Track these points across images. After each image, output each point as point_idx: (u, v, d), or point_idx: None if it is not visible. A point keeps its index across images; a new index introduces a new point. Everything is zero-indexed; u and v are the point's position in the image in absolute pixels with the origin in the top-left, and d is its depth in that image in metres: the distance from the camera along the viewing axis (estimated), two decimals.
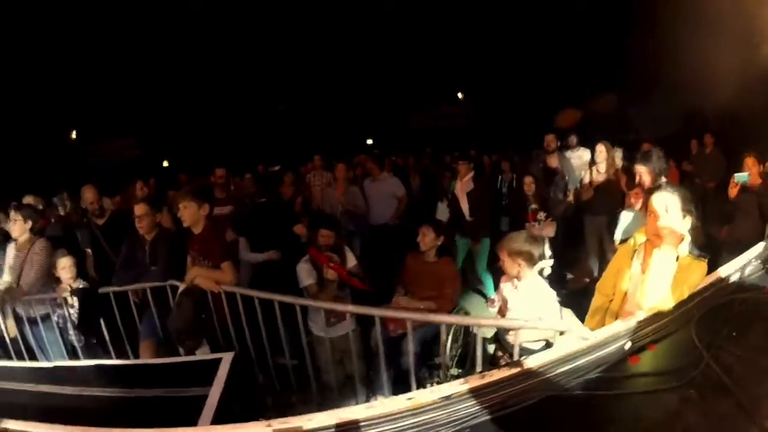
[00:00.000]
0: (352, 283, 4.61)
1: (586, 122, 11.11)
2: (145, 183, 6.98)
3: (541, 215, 5.82)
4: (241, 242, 5.97)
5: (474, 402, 1.83)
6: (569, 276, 6.70)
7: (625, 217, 4.89)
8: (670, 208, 2.64)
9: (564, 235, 6.05)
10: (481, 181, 6.96)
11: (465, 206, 6.62)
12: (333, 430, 1.73)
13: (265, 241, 5.79)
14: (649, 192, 3.81)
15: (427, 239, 4.70)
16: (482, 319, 3.33)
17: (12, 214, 5.09)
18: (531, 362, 1.95)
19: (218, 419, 2.53)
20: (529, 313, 3.55)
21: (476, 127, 18.57)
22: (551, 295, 3.74)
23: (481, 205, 6.63)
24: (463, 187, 6.68)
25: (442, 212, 7.28)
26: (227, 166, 7.71)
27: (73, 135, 18.91)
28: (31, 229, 5.12)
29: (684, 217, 2.65)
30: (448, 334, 4.10)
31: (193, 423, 2.38)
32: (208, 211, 4.49)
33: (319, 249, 4.68)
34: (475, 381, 1.86)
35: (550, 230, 5.75)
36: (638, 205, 4.85)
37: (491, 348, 3.61)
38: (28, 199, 6.49)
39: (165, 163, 18.10)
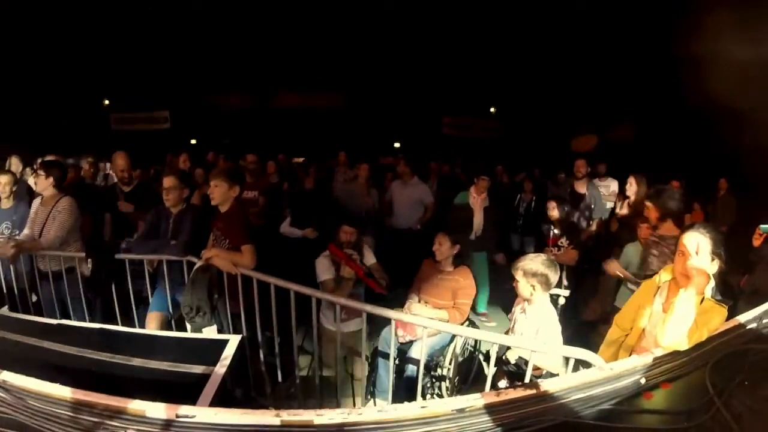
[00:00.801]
0: (368, 283, 4.60)
1: (613, 153, 10.99)
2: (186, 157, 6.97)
3: (564, 241, 5.75)
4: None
5: (488, 418, 1.81)
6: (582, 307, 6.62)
7: (628, 249, 4.87)
8: (701, 249, 2.60)
9: (583, 265, 5.97)
10: (496, 199, 7.02)
11: (478, 220, 6.64)
12: (342, 429, 1.72)
13: (307, 219, 5.87)
14: (680, 228, 3.77)
15: (444, 248, 4.64)
16: (500, 336, 3.28)
17: (38, 168, 5.14)
18: (547, 386, 1.93)
19: (218, 401, 2.52)
20: (531, 339, 3.52)
21: (505, 143, 18.54)
22: (556, 326, 3.69)
23: (494, 222, 6.68)
24: (481, 201, 6.68)
25: None
26: (252, 151, 7.76)
27: (106, 102, 19.14)
28: (56, 186, 5.15)
29: (713, 260, 2.61)
30: (457, 347, 4.09)
31: (193, 401, 2.37)
32: (238, 193, 4.48)
33: (340, 245, 4.67)
34: (490, 397, 1.84)
35: (570, 258, 5.69)
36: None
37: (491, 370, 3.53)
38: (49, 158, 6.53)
39: (193, 141, 18.19)
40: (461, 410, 1.78)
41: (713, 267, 2.61)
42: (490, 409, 1.82)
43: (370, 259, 4.86)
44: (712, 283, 2.64)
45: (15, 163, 7.68)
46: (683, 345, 2.38)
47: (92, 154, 8.88)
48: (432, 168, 10.92)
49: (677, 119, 12.87)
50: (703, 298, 2.58)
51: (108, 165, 9.51)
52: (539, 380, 1.98)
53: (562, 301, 5.77)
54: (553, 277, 3.71)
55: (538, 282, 3.67)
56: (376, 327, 4.46)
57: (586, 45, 14.18)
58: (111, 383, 2.10)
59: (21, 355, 3.10)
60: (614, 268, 4.80)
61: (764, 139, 9.76)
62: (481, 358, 4.37)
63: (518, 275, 3.73)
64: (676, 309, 2.49)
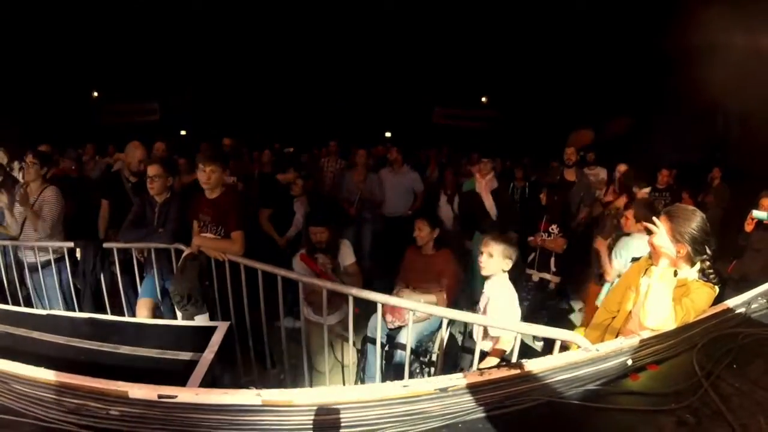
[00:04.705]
0: None
1: (604, 143, 11.02)
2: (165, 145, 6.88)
3: (554, 228, 5.76)
4: None
5: (470, 398, 1.81)
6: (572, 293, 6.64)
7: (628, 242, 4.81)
8: (661, 227, 2.60)
9: (572, 252, 5.97)
10: (503, 180, 7.01)
11: (490, 203, 6.58)
12: (323, 407, 1.72)
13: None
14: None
15: (423, 233, 4.70)
16: (487, 319, 3.29)
17: (29, 158, 5.10)
18: (532, 365, 1.93)
19: (206, 386, 2.51)
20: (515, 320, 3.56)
21: (495, 131, 18.56)
22: (513, 302, 3.78)
23: (507, 202, 6.66)
24: (486, 185, 6.64)
25: (444, 207, 7.38)
26: (245, 141, 7.77)
27: (95, 94, 19.04)
28: (43, 176, 5.15)
29: (676, 241, 2.59)
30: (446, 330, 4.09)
31: (181, 386, 2.36)
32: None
33: (313, 248, 4.65)
34: (473, 377, 1.84)
35: (558, 245, 5.69)
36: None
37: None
38: (42, 148, 6.49)
39: (182, 132, 18.13)
40: (444, 389, 1.78)
41: (674, 247, 2.59)
42: (473, 388, 1.82)
43: (348, 258, 4.80)
44: (698, 266, 2.65)
45: (1, 156, 7.65)
46: (668, 325, 2.39)
47: (92, 145, 8.89)
48: (431, 156, 10.97)
49: (669, 109, 12.88)
50: (688, 279, 2.61)
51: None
52: (524, 360, 1.98)
53: (551, 286, 5.81)
54: (514, 256, 3.85)
55: (505, 260, 3.80)
56: (365, 315, 4.46)
57: (578, 34, 14.17)
58: (100, 371, 2.10)
59: (11, 346, 3.10)
60: (613, 273, 4.77)
61: (756, 127, 9.84)
62: (478, 338, 4.39)
63: (489, 251, 3.80)
64: (650, 288, 2.50)
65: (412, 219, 7.01)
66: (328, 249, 4.66)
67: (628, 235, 4.66)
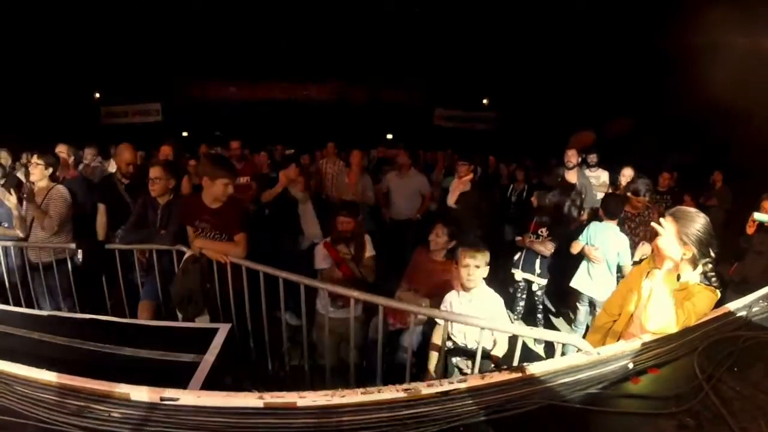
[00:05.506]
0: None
1: (605, 144, 11.02)
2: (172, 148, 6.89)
3: (543, 231, 5.74)
4: None
5: (472, 401, 1.81)
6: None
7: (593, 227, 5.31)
8: (668, 229, 2.59)
9: (566, 254, 5.97)
10: (479, 188, 6.99)
11: (451, 202, 6.68)
12: (325, 410, 1.72)
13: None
14: None
15: (441, 240, 4.58)
16: (486, 322, 3.28)
17: (34, 158, 5.12)
18: (533, 369, 1.93)
19: (208, 388, 2.51)
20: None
21: (498, 133, 18.56)
22: (503, 308, 3.81)
23: (470, 208, 6.57)
24: (458, 186, 6.67)
25: None
26: (245, 142, 7.77)
27: (96, 95, 19.04)
28: (50, 177, 5.18)
29: (682, 242, 2.58)
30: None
31: (183, 389, 2.36)
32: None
33: (338, 236, 4.63)
34: (475, 380, 1.84)
35: (545, 249, 5.69)
36: None
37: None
38: (60, 148, 6.51)
39: (185, 134, 18.13)
40: (445, 393, 1.78)
41: (681, 250, 2.58)
42: (474, 391, 1.82)
43: (367, 251, 4.75)
44: (700, 269, 2.64)
45: (4, 157, 7.67)
46: (670, 328, 2.39)
47: (95, 145, 8.91)
48: (439, 159, 10.99)
49: (670, 111, 12.88)
50: (689, 282, 2.60)
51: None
52: (525, 364, 1.98)
53: (535, 287, 5.82)
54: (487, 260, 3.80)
55: (487, 267, 3.77)
56: (368, 316, 4.44)
57: (579, 35, 14.16)
58: (101, 373, 2.10)
59: (12, 347, 3.10)
60: (577, 248, 5.23)
61: (758, 128, 9.84)
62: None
63: (476, 263, 3.73)
64: (653, 291, 2.50)
65: (420, 223, 7.06)
66: (352, 239, 4.64)
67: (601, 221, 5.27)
